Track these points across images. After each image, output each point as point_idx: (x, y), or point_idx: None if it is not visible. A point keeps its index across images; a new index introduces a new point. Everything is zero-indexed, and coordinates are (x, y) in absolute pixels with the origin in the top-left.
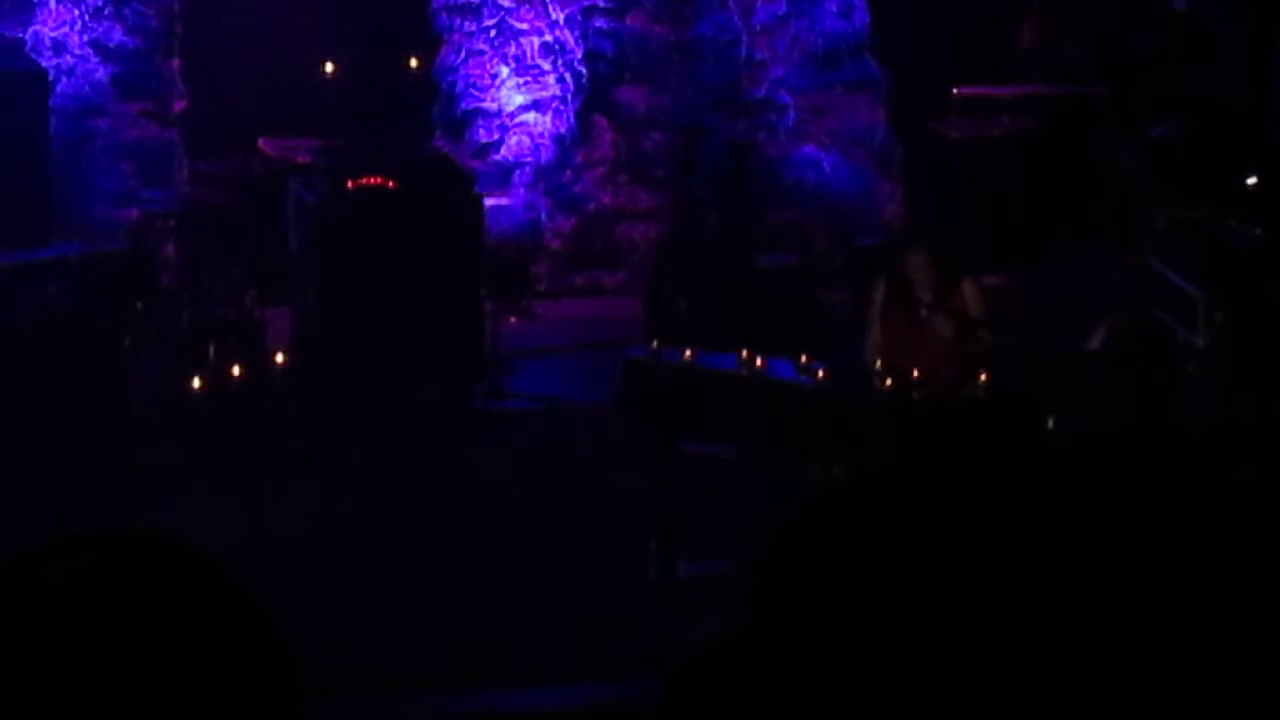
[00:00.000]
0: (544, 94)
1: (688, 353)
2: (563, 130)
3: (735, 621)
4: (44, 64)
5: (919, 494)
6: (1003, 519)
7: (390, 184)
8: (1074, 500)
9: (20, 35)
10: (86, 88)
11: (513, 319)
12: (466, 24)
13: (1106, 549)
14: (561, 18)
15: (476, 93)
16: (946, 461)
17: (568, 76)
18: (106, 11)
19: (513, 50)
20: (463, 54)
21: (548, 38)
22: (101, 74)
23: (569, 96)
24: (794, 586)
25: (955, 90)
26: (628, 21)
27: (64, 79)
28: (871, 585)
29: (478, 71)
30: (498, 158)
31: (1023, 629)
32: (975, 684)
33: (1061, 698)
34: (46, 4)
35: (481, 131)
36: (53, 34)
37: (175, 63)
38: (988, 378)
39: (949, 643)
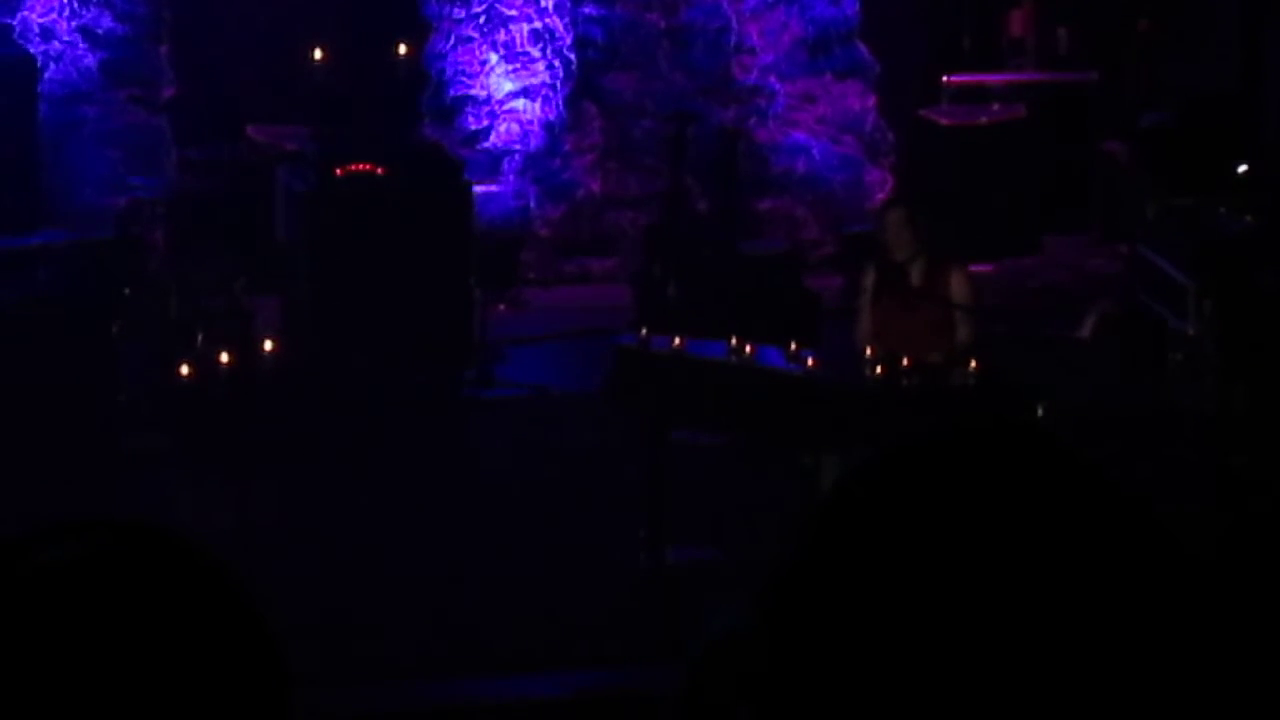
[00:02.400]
0: (533, 81)
1: (677, 340)
2: (552, 117)
3: (751, 608)
4: (32, 50)
5: (949, 473)
6: (1037, 499)
7: (379, 171)
8: (1090, 482)
9: (9, 21)
10: (75, 74)
11: (502, 307)
12: (456, 11)
13: (1119, 533)
14: (551, 4)
15: (466, 80)
16: (972, 441)
17: (557, 63)
18: None
19: (502, 37)
20: (452, 41)
21: (537, 24)
22: (90, 60)
23: (558, 83)
24: (819, 572)
25: (946, 77)
26: (617, 8)
27: (52, 65)
28: (901, 569)
29: (467, 58)
30: (487, 145)
31: (1045, 617)
32: (994, 671)
33: (1071, 683)
34: None
35: (471, 119)
36: (41, 20)
37: (164, 49)
38: (978, 365)
39: (975, 627)
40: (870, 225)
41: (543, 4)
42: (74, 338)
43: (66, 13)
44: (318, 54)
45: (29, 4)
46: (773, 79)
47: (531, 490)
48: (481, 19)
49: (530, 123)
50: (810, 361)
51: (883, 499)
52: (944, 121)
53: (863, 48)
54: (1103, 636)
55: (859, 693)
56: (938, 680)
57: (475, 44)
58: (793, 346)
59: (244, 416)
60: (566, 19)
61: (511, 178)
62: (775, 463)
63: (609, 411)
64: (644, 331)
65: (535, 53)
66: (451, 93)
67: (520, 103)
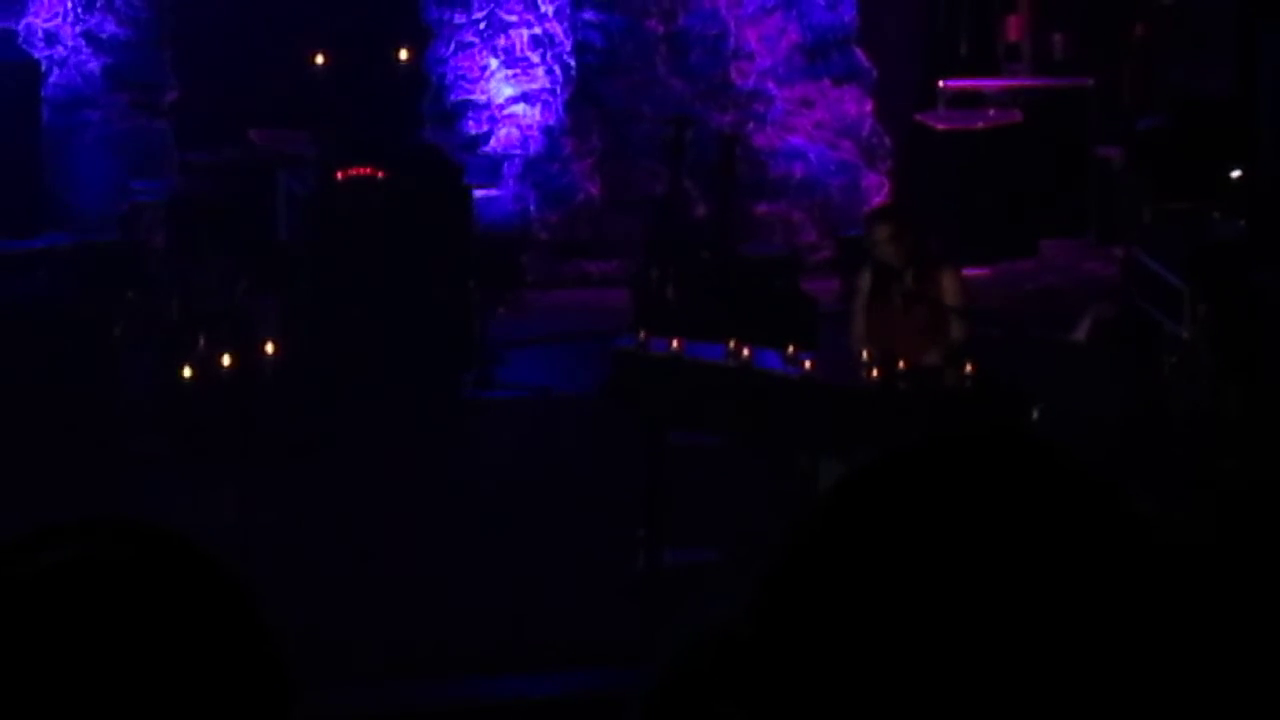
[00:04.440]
0: (533, 86)
1: (675, 343)
2: (551, 122)
3: (730, 608)
4: (36, 55)
5: (946, 478)
6: (1033, 505)
7: (380, 175)
8: (1086, 488)
9: (13, 26)
10: (78, 79)
11: (501, 309)
12: (456, 16)
13: (1114, 539)
14: (550, 10)
15: (466, 84)
16: (969, 446)
17: (556, 69)
18: (99, 3)
19: (502, 42)
20: (452, 46)
21: (537, 30)
22: (93, 65)
23: (558, 88)
24: (812, 573)
25: (942, 83)
26: (616, 14)
27: (56, 70)
28: (895, 572)
29: (467, 63)
30: (487, 149)
31: (1039, 622)
32: (988, 675)
33: (1066, 688)
34: None
35: (471, 123)
36: (45, 25)
37: (166, 54)
38: (973, 368)
39: (970, 630)
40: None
41: (542, 10)
42: (76, 340)
43: (70, 18)
44: (319, 59)
45: (34, 9)
46: (770, 84)
47: (530, 491)
48: (482, 24)
49: (530, 127)
50: (808, 364)
51: (879, 502)
52: (940, 126)
53: (860, 53)
54: (1096, 640)
55: (849, 694)
56: (930, 683)
57: (475, 49)
58: (790, 349)
59: (245, 418)
60: (566, 25)
61: (511, 182)
62: (773, 464)
63: (607, 413)
64: (642, 334)
65: (535, 58)
66: (452, 97)
67: (520, 107)
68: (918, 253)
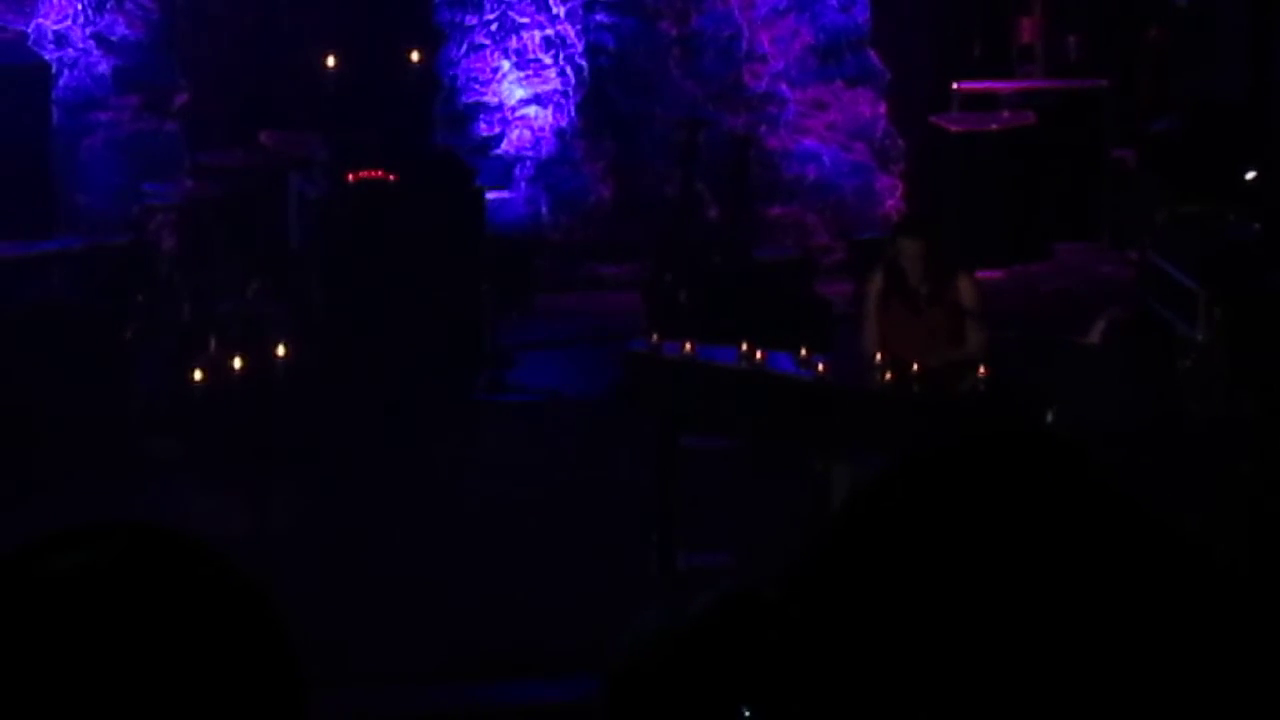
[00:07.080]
0: (545, 88)
1: (688, 346)
2: (563, 124)
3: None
4: (46, 57)
5: (970, 480)
6: (1052, 509)
7: (391, 177)
8: (1105, 490)
9: (23, 28)
10: (88, 81)
11: (513, 312)
12: (468, 18)
13: (1133, 542)
14: (563, 12)
15: (478, 87)
16: (990, 449)
17: (569, 70)
18: (109, 5)
19: (514, 44)
20: (464, 48)
21: (549, 32)
22: (103, 67)
23: (570, 90)
24: (838, 575)
25: (956, 85)
26: (629, 16)
27: (66, 72)
28: (920, 575)
29: (479, 65)
30: (499, 152)
31: (1063, 624)
32: (1010, 678)
33: (1087, 691)
34: None
35: (483, 125)
36: (55, 27)
37: (177, 56)
38: (986, 371)
39: (993, 633)
40: (880, 232)
41: (554, 11)
42: (87, 343)
43: (80, 20)
44: (330, 61)
45: (44, 11)
46: (783, 86)
47: (542, 495)
48: (494, 26)
49: (542, 129)
50: (821, 367)
51: (904, 504)
52: (954, 128)
53: (873, 55)
54: (1115, 643)
55: (871, 694)
56: (952, 685)
57: (487, 51)
58: (803, 352)
59: (257, 421)
60: (578, 26)
61: (523, 184)
62: (785, 468)
63: (620, 417)
64: (655, 337)
65: (547, 60)
66: (463, 100)
67: (532, 110)
68: (938, 265)
